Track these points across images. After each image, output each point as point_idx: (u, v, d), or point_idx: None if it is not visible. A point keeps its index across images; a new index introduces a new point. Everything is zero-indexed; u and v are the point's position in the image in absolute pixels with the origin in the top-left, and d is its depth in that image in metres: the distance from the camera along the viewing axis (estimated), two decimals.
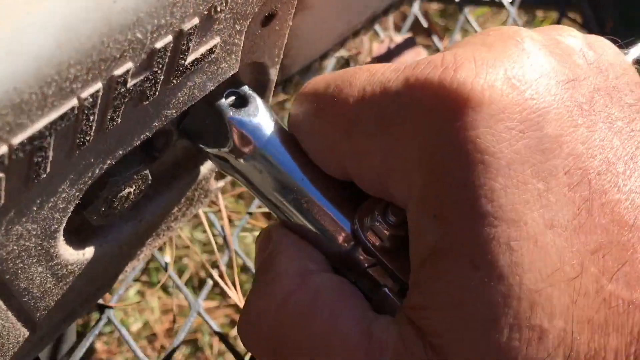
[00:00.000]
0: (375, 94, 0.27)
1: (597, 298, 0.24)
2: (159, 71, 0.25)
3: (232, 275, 0.49)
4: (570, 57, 0.27)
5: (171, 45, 0.25)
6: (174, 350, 0.44)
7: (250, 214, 0.52)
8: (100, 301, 0.44)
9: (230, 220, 0.52)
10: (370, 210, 0.30)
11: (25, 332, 0.33)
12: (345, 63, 0.58)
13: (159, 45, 0.24)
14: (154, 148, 0.34)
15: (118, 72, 0.23)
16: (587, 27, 0.65)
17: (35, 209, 0.26)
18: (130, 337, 0.43)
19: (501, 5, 0.67)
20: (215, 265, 0.49)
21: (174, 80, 0.27)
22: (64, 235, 0.30)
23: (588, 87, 0.26)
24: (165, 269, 0.47)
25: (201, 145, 0.33)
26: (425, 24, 0.63)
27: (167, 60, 0.25)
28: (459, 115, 0.24)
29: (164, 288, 0.99)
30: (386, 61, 0.57)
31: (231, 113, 0.32)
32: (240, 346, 0.98)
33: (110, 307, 0.44)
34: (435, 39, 0.64)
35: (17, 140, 0.22)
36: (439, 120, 0.25)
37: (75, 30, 0.21)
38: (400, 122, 0.26)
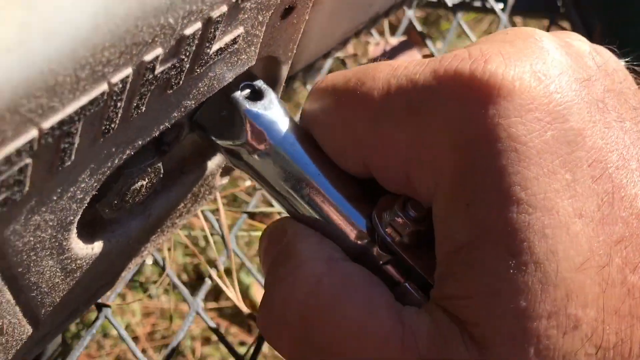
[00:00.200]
0: (402, 86, 0.27)
1: (623, 289, 0.24)
2: (186, 59, 0.25)
3: (231, 275, 0.48)
4: (582, 59, 0.27)
5: (199, 32, 0.24)
6: (173, 351, 0.43)
7: (248, 213, 0.51)
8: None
9: (228, 219, 0.52)
10: (388, 206, 0.30)
11: (29, 330, 0.32)
12: (341, 64, 0.58)
13: (188, 31, 0.24)
14: (164, 142, 0.34)
15: (148, 57, 0.23)
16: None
17: (55, 198, 0.25)
18: (129, 338, 0.42)
19: (493, 12, 0.68)
20: (213, 264, 0.48)
21: (198, 70, 0.27)
22: (75, 229, 0.29)
23: (600, 88, 0.27)
24: (163, 268, 0.46)
25: (214, 138, 0.33)
26: (419, 27, 0.64)
27: (194, 48, 0.25)
28: (492, 104, 0.24)
29: (145, 290, 0.98)
30: None
31: (247, 105, 0.32)
32: (223, 350, 0.97)
33: (108, 306, 0.44)
34: (428, 42, 0.64)
35: (47, 124, 0.21)
36: (471, 109, 0.25)
37: (112, 11, 0.21)
38: (430, 112, 0.26)
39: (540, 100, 0.25)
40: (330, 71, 0.56)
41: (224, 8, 0.25)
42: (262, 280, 0.49)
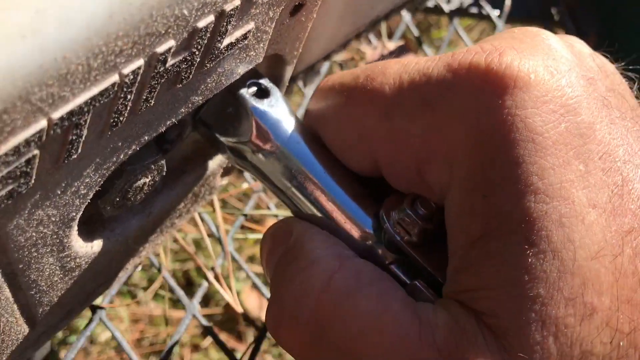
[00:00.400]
0: (414, 81, 0.27)
1: (634, 278, 0.24)
2: (197, 52, 0.25)
3: (228, 277, 0.47)
4: (585, 59, 0.28)
5: (212, 25, 0.24)
6: (170, 351, 0.43)
7: (245, 215, 0.51)
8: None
9: (225, 222, 0.51)
10: (396, 205, 0.30)
11: (25, 329, 0.31)
12: (339, 67, 0.58)
13: (201, 24, 0.23)
14: (167, 140, 0.33)
15: (160, 49, 0.23)
16: None
17: (59, 192, 0.25)
18: (125, 341, 0.41)
19: (489, 19, 0.68)
20: (210, 267, 0.47)
21: (208, 64, 0.26)
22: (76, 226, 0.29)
23: (602, 87, 0.27)
24: (159, 270, 0.46)
25: (218, 135, 0.32)
26: (416, 32, 0.64)
27: (205, 41, 0.25)
28: (508, 95, 0.25)
29: (133, 296, 0.96)
30: None
31: (253, 102, 0.31)
32: (213, 357, 0.96)
33: (102, 308, 0.43)
34: (425, 47, 0.64)
35: (57, 114, 0.20)
36: (487, 100, 0.25)
37: (127, 0, 0.20)
38: (445, 105, 0.26)
39: (554, 93, 0.25)
40: (328, 74, 0.56)
41: (237, 1, 0.24)
42: (258, 282, 0.49)
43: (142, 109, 0.25)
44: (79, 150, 0.23)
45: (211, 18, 0.24)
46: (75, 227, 0.28)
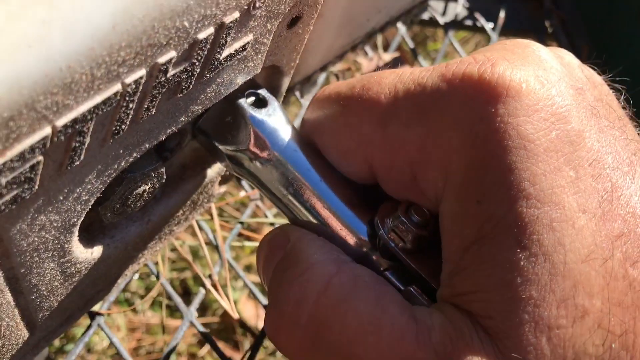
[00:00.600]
0: (409, 90, 0.27)
1: (624, 282, 0.25)
2: (197, 63, 0.25)
3: (225, 286, 0.48)
4: (574, 70, 0.29)
5: (212, 37, 0.25)
6: (169, 354, 0.43)
7: (242, 223, 0.51)
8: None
9: (222, 229, 0.52)
10: (390, 212, 0.30)
11: (25, 334, 0.32)
12: (335, 78, 0.59)
13: (201, 35, 0.24)
14: (166, 148, 0.34)
15: (162, 59, 0.23)
16: None
17: (61, 198, 0.25)
18: (123, 348, 0.42)
19: (483, 31, 0.69)
20: (207, 275, 0.48)
21: (208, 75, 0.27)
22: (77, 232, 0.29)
23: (590, 97, 0.28)
24: (157, 278, 0.46)
25: (217, 144, 0.33)
26: (411, 44, 0.65)
27: (205, 52, 0.25)
28: (501, 104, 0.25)
29: (130, 304, 0.97)
30: None
31: (251, 112, 0.32)
32: None
33: (101, 314, 0.43)
34: (420, 59, 0.65)
35: (61, 122, 0.21)
36: (480, 108, 0.26)
37: (130, 11, 0.21)
38: (439, 113, 0.27)
39: (545, 102, 0.26)
40: (324, 84, 0.57)
41: (236, 14, 0.25)
42: (255, 291, 0.49)
43: (143, 117, 0.25)
44: (82, 157, 0.24)
45: (211, 30, 0.24)
46: (76, 233, 0.29)
